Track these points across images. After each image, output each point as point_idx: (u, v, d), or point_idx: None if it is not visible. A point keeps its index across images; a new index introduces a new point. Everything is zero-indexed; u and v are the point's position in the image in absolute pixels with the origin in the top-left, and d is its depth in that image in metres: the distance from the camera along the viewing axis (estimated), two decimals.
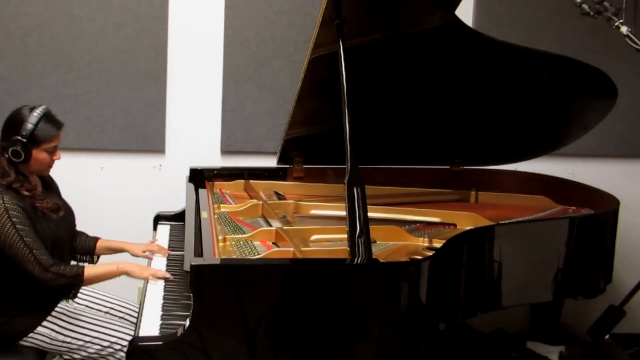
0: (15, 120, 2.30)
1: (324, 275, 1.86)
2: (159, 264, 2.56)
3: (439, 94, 2.83)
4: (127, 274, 2.36)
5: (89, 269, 2.32)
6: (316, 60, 2.46)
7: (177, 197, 3.12)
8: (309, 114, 2.76)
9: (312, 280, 1.85)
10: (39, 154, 2.31)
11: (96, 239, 2.69)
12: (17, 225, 2.21)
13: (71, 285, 2.31)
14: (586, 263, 2.53)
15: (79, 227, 2.65)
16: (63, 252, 2.44)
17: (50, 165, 2.40)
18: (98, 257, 2.70)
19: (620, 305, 3.16)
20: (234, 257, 2.14)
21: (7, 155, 2.28)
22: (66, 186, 2.62)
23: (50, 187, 2.53)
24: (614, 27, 2.27)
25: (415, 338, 1.94)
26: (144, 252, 2.64)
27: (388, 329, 1.88)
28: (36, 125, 2.28)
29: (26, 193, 2.29)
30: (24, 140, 2.26)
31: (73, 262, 2.59)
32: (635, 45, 2.23)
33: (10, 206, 2.22)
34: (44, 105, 2.34)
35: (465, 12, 3.40)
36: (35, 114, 2.29)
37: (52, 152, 2.35)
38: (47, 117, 2.32)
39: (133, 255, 2.67)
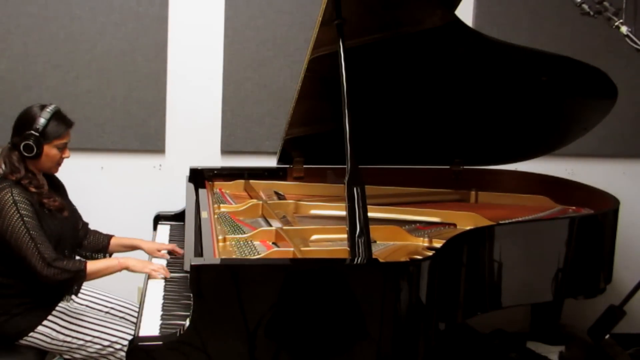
0: (27, 117, 2.35)
1: (324, 275, 1.86)
2: (159, 261, 2.56)
3: (439, 94, 2.83)
4: (128, 268, 2.37)
5: (91, 264, 2.33)
6: (316, 60, 2.46)
7: (177, 197, 3.12)
8: (309, 114, 2.76)
9: (312, 280, 1.85)
10: (50, 150, 2.36)
11: (110, 237, 2.73)
12: (24, 218, 2.25)
13: (73, 280, 2.32)
14: (586, 263, 2.53)
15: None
16: (64, 252, 2.45)
17: (59, 163, 2.44)
18: (110, 254, 2.73)
19: (620, 305, 3.16)
20: (234, 257, 2.14)
21: (17, 152, 2.34)
22: (66, 186, 2.61)
23: (58, 188, 2.56)
24: (614, 27, 2.28)
25: (415, 338, 1.94)
26: (159, 251, 2.66)
27: (388, 328, 1.88)
28: (48, 121, 2.33)
29: (34, 190, 2.34)
30: (37, 134, 2.32)
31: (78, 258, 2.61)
32: (635, 45, 2.23)
33: (19, 199, 2.27)
34: (54, 104, 2.40)
35: (465, 12, 3.40)
36: (47, 110, 2.35)
37: (62, 149, 2.40)
38: (58, 114, 2.38)
39: (148, 253, 2.68)
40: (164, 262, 2.53)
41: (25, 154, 2.32)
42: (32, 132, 2.31)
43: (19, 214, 2.25)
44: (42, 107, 2.36)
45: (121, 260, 2.38)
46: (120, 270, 2.38)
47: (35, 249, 2.24)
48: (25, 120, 2.34)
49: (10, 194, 2.26)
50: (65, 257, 2.38)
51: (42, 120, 2.32)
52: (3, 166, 2.35)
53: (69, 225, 2.50)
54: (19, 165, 2.33)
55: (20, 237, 2.24)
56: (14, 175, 2.32)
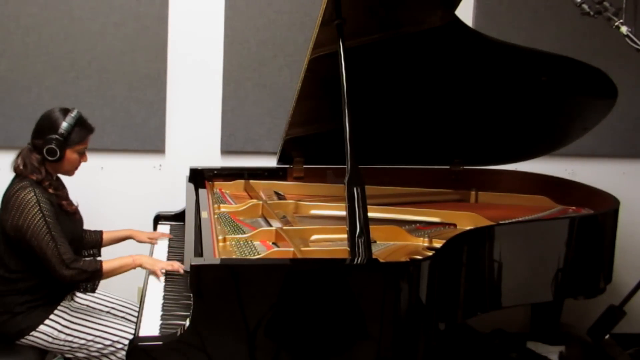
0: (50, 120, 2.37)
1: (324, 275, 1.86)
2: (160, 256, 2.58)
3: (439, 94, 2.83)
4: (141, 266, 2.40)
5: (107, 263, 2.37)
6: (316, 60, 2.46)
7: (177, 197, 3.12)
8: (309, 114, 2.76)
9: (312, 280, 1.85)
10: (71, 155, 2.39)
11: (101, 232, 2.78)
12: (46, 219, 2.28)
13: (90, 280, 2.37)
14: (586, 263, 2.53)
15: None
16: (75, 252, 2.47)
17: (77, 167, 2.48)
18: (100, 250, 2.78)
19: (620, 305, 3.16)
20: (234, 257, 2.14)
21: (38, 154, 2.36)
22: (66, 186, 2.61)
23: (64, 189, 2.57)
24: (614, 27, 2.28)
25: (415, 338, 1.94)
26: (149, 238, 2.79)
27: (388, 329, 1.88)
28: (73, 126, 2.36)
29: (52, 191, 2.37)
30: (60, 139, 2.34)
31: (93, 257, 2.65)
32: (635, 45, 2.23)
33: (42, 199, 2.30)
34: (76, 109, 2.42)
35: (465, 12, 3.40)
36: (71, 115, 2.37)
37: (82, 154, 2.44)
38: (82, 120, 2.41)
39: (138, 241, 2.81)
40: (164, 259, 2.54)
41: (48, 158, 2.34)
42: (57, 136, 2.33)
43: (41, 214, 2.27)
44: (66, 112, 2.38)
45: (135, 257, 2.40)
46: (134, 267, 2.41)
47: (55, 249, 2.27)
48: (48, 124, 2.36)
49: (33, 193, 2.29)
50: (81, 257, 2.41)
51: (65, 125, 2.34)
52: (22, 166, 2.37)
53: (79, 227, 2.56)
54: (39, 167, 2.36)
55: (41, 237, 2.26)
56: (34, 176, 2.35)
